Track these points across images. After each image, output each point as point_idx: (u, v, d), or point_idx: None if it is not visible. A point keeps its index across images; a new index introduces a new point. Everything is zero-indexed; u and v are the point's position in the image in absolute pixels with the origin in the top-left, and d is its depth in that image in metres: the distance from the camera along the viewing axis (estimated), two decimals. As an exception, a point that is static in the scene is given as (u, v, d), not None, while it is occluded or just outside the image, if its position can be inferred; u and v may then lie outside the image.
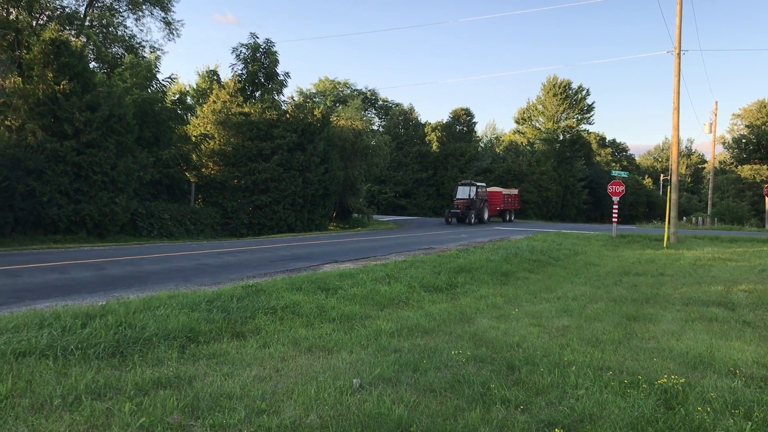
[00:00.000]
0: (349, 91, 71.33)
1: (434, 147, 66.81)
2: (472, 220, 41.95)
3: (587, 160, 73.55)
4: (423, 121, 69.06)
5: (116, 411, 4.15)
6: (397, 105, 72.99)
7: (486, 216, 44.48)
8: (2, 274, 12.17)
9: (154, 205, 28.33)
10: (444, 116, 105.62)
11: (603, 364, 5.97)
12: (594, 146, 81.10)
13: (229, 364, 5.61)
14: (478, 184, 44.89)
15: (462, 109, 68.78)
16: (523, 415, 4.53)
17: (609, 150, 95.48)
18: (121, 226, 26.05)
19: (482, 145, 70.53)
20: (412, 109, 67.67)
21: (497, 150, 67.55)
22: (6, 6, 31.77)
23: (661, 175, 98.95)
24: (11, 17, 31.11)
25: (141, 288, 10.47)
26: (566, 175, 68.28)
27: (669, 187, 27.30)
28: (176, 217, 28.92)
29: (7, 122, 26.40)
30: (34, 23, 32.07)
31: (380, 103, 76.42)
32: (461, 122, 68.60)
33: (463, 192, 43.98)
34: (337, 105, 58.29)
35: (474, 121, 69.89)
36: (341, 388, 4.91)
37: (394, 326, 7.52)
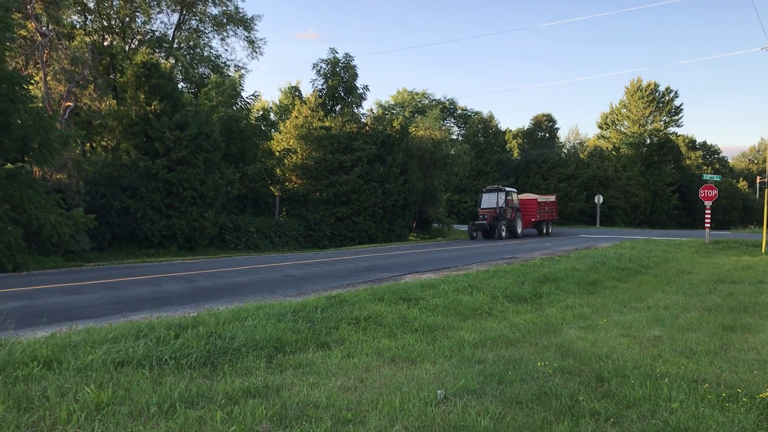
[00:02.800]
0: (427, 102, 71.55)
1: (515, 154, 65.96)
2: (503, 234, 34.90)
3: (676, 164, 70.68)
4: (503, 128, 68.43)
5: (208, 419, 4.29)
6: (476, 113, 72.65)
7: (519, 228, 37.23)
8: (102, 287, 12.82)
9: (241, 218, 29.19)
10: (525, 123, 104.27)
11: (698, 376, 5.70)
12: (683, 149, 77.91)
13: (315, 374, 5.70)
14: (508, 189, 37.86)
15: (543, 115, 67.75)
16: (613, 428, 4.39)
17: (700, 153, 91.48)
18: (210, 239, 26.98)
19: (565, 151, 69.06)
20: (491, 117, 67.13)
21: (581, 156, 65.92)
22: (102, 33, 33.69)
23: (758, 177, 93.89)
24: (106, 43, 32.95)
25: (230, 299, 10.79)
26: (655, 180, 65.91)
27: (767, 189, 25.89)
28: (262, 230, 29.70)
29: (103, 143, 27.93)
30: (126, 48, 33.82)
31: (459, 112, 76.26)
32: (543, 128, 67.55)
33: (489, 200, 36.88)
34: (416, 115, 58.51)
35: (556, 126, 68.77)
36: (426, 399, 4.89)
37: (477, 337, 7.45)
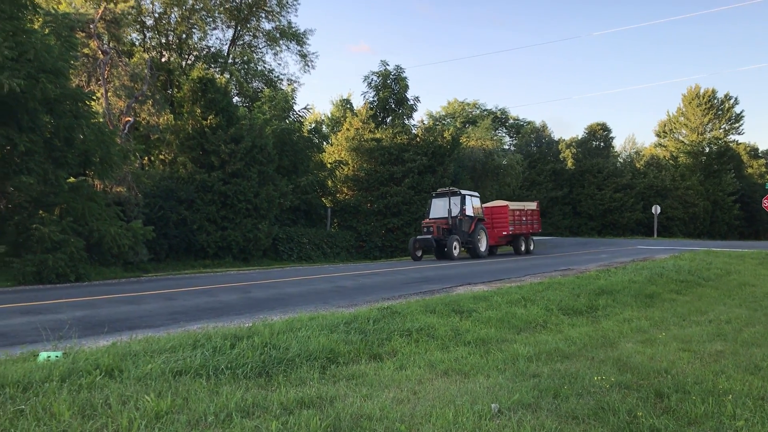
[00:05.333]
0: (478, 112, 71.18)
1: (569, 164, 65.12)
2: (455, 252, 26.40)
3: (738, 173, 68.45)
4: (556, 138, 67.71)
5: (264, 429, 4.34)
6: (529, 123, 72.05)
7: (484, 245, 28.61)
8: (160, 297, 13.14)
9: (294, 230, 29.57)
10: (579, 132, 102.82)
11: (764, 393, 5.49)
12: (745, 158, 75.37)
13: (368, 386, 5.70)
14: (466, 193, 28.89)
15: (598, 124, 66.76)
16: (675, 446, 4.26)
17: (762, 161, 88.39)
18: (264, 250, 27.40)
19: (621, 160, 67.76)
20: (544, 127, 66.61)
21: (637, 165, 64.56)
22: (160, 49, 34.74)
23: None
24: (164, 59, 33.96)
25: (283, 310, 10.91)
26: (714, 190, 64.04)
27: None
28: (314, 241, 30.01)
29: (161, 156, 28.74)
30: (183, 63, 34.78)
31: (511, 121, 75.66)
32: (598, 138, 66.53)
33: (440, 207, 28.42)
34: (467, 126, 58.32)
35: (611, 135, 67.61)
36: (479, 412, 4.84)
37: (531, 350, 7.34)
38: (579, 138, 67.67)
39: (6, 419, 4.27)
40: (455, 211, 27.64)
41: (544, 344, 7.76)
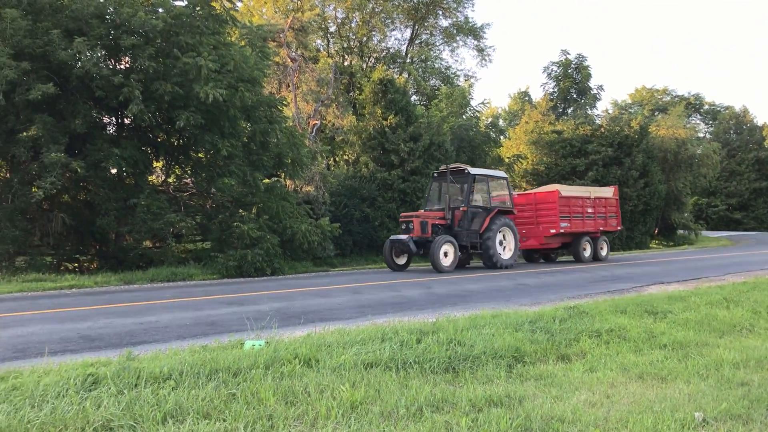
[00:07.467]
0: (668, 98, 66.62)
1: (775, 152, 59.01)
2: (444, 261, 18.40)
3: None
4: (759, 123, 61.56)
5: (454, 425, 4.38)
6: (727, 108, 66.19)
7: (509, 250, 20.09)
8: (347, 291, 13.76)
9: (474, 227, 29.57)
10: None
11: None
12: None
13: (557, 387, 5.55)
14: (478, 172, 20.52)
15: (810, 106, 59.75)
16: None
17: None
18: (442, 246, 27.70)
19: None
20: (745, 111, 60.82)
21: None
22: (342, 54, 36.37)
23: None
24: (346, 63, 35.51)
25: (464, 306, 10.95)
26: None
27: None
28: (492, 237, 29.79)
29: (345, 157, 30.10)
30: (364, 66, 36.11)
31: (706, 107, 70.01)
32: (810, 121, 59.53)
33: (437, 194, 20.93)
34: (656, 114, 54.77)
35: (827, 117, 60.15)
36: (681, 420, 4.53)
37: (737, 356, 6.72)
38: (788, 122, 61.09)
39: (221, 401, 4.70)
40: (458, 200, 20.06)
41: (752, 350, 7.08)
